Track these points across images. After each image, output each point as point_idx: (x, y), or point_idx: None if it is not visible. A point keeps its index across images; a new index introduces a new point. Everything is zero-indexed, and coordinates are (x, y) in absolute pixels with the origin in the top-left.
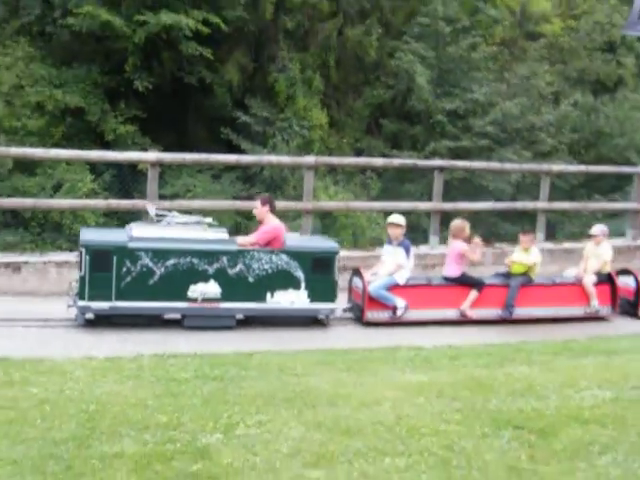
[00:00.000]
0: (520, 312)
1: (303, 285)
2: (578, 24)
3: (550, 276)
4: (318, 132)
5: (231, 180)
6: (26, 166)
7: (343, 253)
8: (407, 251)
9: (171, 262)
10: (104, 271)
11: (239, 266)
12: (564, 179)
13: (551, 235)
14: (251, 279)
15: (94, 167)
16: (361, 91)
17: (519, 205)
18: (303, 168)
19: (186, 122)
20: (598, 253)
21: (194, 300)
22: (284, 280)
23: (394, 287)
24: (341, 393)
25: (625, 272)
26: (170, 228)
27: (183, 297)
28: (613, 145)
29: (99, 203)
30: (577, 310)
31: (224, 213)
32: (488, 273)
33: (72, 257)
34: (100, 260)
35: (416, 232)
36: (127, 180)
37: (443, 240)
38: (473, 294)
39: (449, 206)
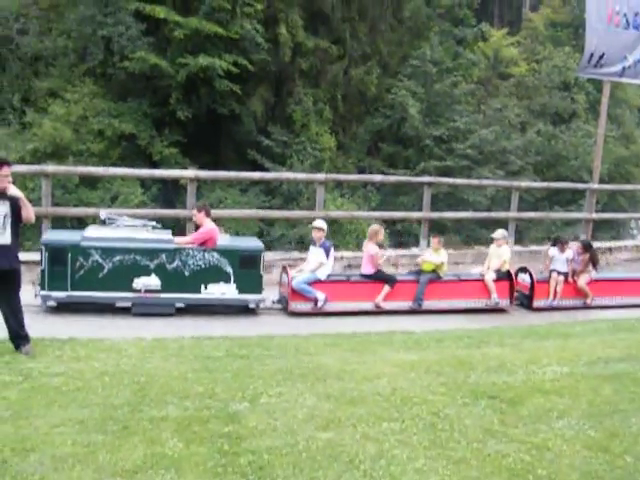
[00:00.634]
0: (428, 304)
1: (232, 279)
2: (540, 67)
3: (457, 273)
4: (328, 153)
5: (256, 193)
6: (89, 182)
7: (348, 254)
8: (327, 252)
9: (117, 258)
10: (61, 265)
11: (176, 262)
12: (530, 193)
13: (519, 239)
14: (187, 273)
15: (144, 182)
16: (363, 120)
17: (494, 214)
18: (315, 183)
19: (219, 145)
20: (499, 254)
21: (138, 291)
22: (216, 274)
23: (316, 282)
24: (347, 369)
25: (523, 270)
26: (119, 230)
27: (129, 288)
28: (569, 166)
29: (148, 212)
30: (479, 303)
31: (250, 220)
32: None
33: None
34: (57, 256)
35: (409, 236)
36: (170, 193)
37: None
38: (386, 289)
39: (436, 215)
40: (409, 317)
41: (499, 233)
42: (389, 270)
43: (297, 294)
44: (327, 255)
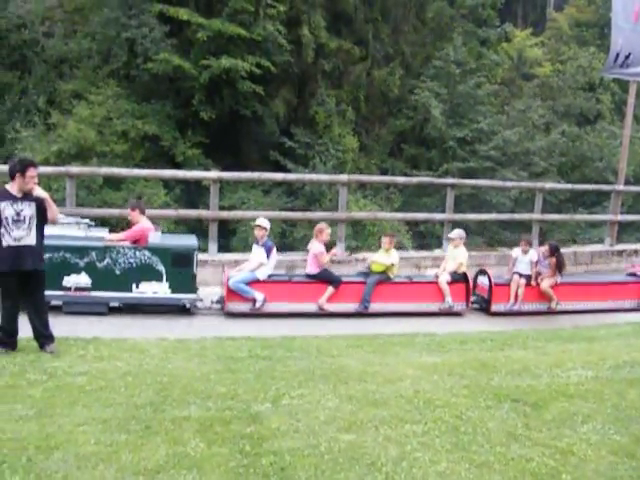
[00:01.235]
0: (376, 307)
1: (165, 277)
2: (564, 68)
3: (409, 275)
4: (350, 155)
5: (278, 194)
6: (113, 182)
7: (367, 254)
8: (268, 251)
9: (46, 256)
10: None
11: (106, 260)
12: (554, 195)
13: (543, 242)
14: (118, 271)
15: (167, 183)
16: (386, 121)
17: (517, 216)
18: (338, 184)
19: (241, 146)
20: (455, 255)
21: (68, 289)
22: (147, 273)
23: (255, 282)
24: (369, 371)
25: (482, 272)
26: (49, 227)
27: (59, 286)
28: (594, 167)
29: (171, 213)
30: (432, 306)
31: (273, 221)
32: (500, 273)
33: None
34: None
35: (431, 238)
36: (193, 194)
37: None
38: (330, 290)
39: (459, 217)
40: (432, 319)
41: (455, 233)
42: (412, 271)
43: (234, 294)
44: (268, 255)
